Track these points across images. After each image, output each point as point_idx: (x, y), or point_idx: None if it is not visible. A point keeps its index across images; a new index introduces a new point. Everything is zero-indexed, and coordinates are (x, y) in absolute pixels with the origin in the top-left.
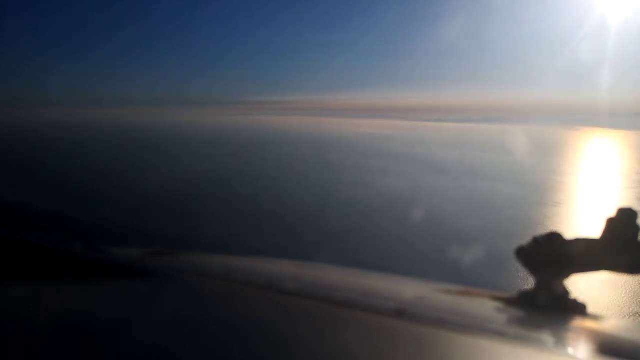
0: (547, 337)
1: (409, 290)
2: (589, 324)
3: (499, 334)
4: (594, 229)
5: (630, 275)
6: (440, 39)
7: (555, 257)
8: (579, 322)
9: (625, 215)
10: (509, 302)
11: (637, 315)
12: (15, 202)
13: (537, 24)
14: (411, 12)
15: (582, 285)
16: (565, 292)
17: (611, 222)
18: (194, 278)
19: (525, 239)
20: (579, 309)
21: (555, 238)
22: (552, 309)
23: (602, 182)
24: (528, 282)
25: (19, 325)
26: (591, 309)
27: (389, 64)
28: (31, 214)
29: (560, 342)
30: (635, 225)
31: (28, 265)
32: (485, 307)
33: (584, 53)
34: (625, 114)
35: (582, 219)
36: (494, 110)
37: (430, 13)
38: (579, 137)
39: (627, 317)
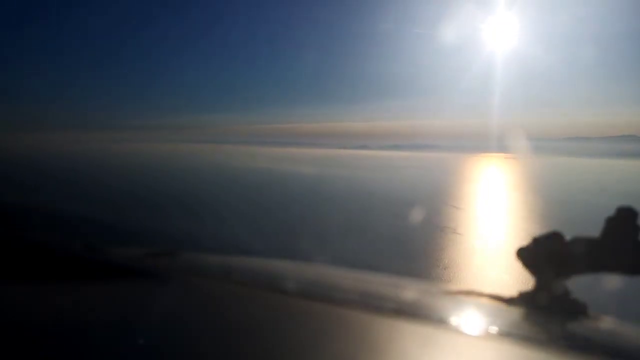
0: (547, 337)
1: (409, 290)
2: (588, 323)
3: (499, 334)
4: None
5: (630, 276)
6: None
7: (555, 257)
8: (578, 322)
9: (625, 215)
10: (509, 302)
11: (636, 315)
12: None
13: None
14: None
15: (582, 285)
16: (565, 292)
17: (611, 222)
18: (194, 278)
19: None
20: (579, 309)
21: (555, 238)
22: (552, 309)
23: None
24: (528, 282)
25: (19, 325)
26: (591, 309)
27: (320, 85)
28: None
29: (560, 342)
30: (635, 225)
31: (28, 265)
32: (485, 307)
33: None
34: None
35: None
36: (425, 135)
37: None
38: (478, 162)
39: (627, 317)
